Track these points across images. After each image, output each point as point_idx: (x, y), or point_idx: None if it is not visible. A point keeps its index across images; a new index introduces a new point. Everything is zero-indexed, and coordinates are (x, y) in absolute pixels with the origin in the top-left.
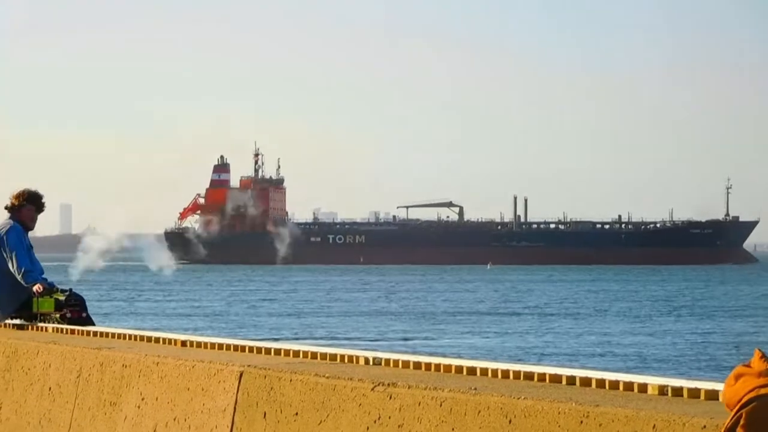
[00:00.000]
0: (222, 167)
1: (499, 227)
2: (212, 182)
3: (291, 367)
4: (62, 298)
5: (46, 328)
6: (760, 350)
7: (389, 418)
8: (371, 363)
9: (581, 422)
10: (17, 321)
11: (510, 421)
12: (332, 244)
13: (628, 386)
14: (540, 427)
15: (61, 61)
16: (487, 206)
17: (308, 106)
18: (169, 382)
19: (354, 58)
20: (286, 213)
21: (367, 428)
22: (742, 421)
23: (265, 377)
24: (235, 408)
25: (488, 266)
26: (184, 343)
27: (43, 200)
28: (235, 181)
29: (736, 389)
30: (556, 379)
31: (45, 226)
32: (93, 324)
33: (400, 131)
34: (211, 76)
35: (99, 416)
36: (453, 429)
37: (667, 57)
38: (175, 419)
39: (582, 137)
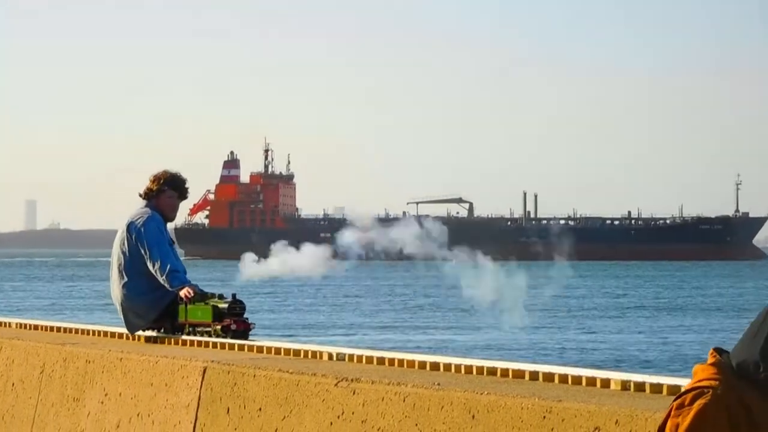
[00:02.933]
0: (232, 163)
1: (509, 223)
2: (222, 178)
3: (255, 363)
4: (222, 305)
5: (9, 323)
6: (714, 348)
7: (353, 413)
8: (335, 359)
9: (544, 417)
10: (155, 333)
11: (473, 417)
12: None
13: (591, 381)
14: (503, 422)
15: (66, 52)
16: (497, 202)
17: (319, 101)
18: (132, 378)
19: (364, 52)
20: (296, 208)
21: (331, 423)
22: (672, 411)
23: (229, 373)
24: (198, 403)
25: (452, 262)
26: (147, 339)
27: (186, 185)
28: (245, 177)
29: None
30: (519, 374)
31: (8, 222)
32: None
33: (410, 127)
34: (220, 71)
35: (62, 412)
36: (416, 424)
37: (678, 53)
38: (138, 415)
39: (592, 133)
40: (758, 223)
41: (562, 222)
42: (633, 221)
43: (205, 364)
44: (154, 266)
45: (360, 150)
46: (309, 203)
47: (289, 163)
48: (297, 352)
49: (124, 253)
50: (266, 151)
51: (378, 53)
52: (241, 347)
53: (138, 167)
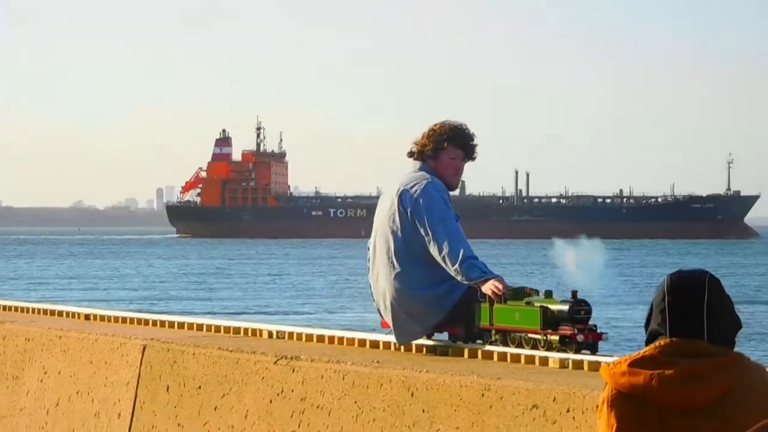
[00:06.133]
0: (224, 141)
1: (501, 201)
2: (214, 156)
3: (194, 341)
4: (558, 306)
5: None
6: None
7: (292, 391)
8: (275, 336)
9: (482, 395)
10: (439, 341)
11: (412, 394)
12: (333, 218)
13: (530, 359)
14: (442, 399)
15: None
16: (488, 180)
17: (311, 80)
18: (72, 356)
19: (355, 32)
20: (288, 187)
21: (270, 401)
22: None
23: (168, 351)
24: (138, 381)
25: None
26: (87, 317)
27: (474, 142)
28: (237, 155)
29: None
30: (458, 352)
31: None
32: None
33: (400, 104)
34: (212, 49)
35: (1, 390)
36: (355, 402)
37: (668, 34)
38: (78, 393)
39: (584, 112)
40: (749, 201)
41: (554, 200)
42: (625, 199)
43: (145, 341)
44: (440, 251)
45: (352, 128)
46: (301, 181)
47: (281, 141)
48: (237, 330)
49: (394, 232)
50: (258, 129)
51: (369, 32)
52: (180, 325)
53: (132, 146)
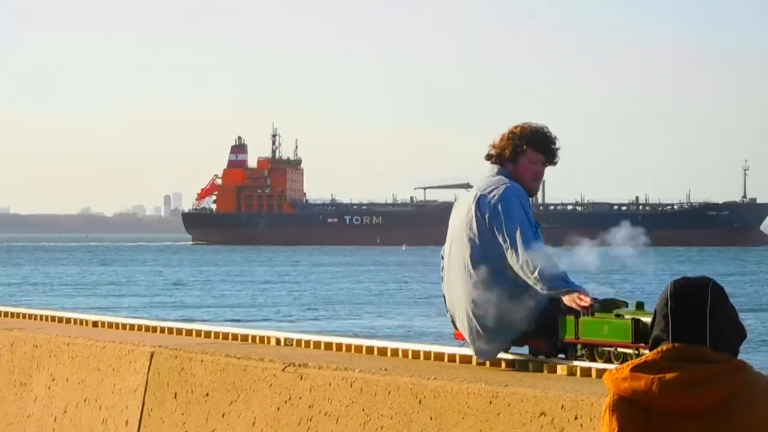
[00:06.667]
0: (239, 148)
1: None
2: (230, 163)
3: (202, 348)
4: (648, 318)
5: None
6: None
7: (300, 398)
8: (282, 343)
9: (490, 402)
10: (519, 355)
11: (420, 402)
12: (349, 225)
13: (538, 367)
14: (449, 407)
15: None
16: None
17: (326, 87)
18: (79, 363)
19: (371, 40)
20: (304, 194)
21: (278, 408)
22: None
23: (176, 357)
24: (146, 388)
25: (403, 247)
26: (95, 324)
27: (555, 145)
28: (252, 162)
29: None
30: (466, 360)
31: None
32: None
33: (417, 112)
34: (228, 55)
35: (9, 397)
36: (363, 409)
37: (685, 38)
38: (85, 400)
39: (599, 119)
40: (765, 209)
41: (570, 207)
42: (640, 207)
43: (153, 348)
44: (518, 259)
45: (368, 136)
46: (316, 188)
47: (296, 148)
48: (245, 337)
49: (471, 239)
50: (274, 136)
51: (385, 38)
52: (189, 332)
53: (149, 152)
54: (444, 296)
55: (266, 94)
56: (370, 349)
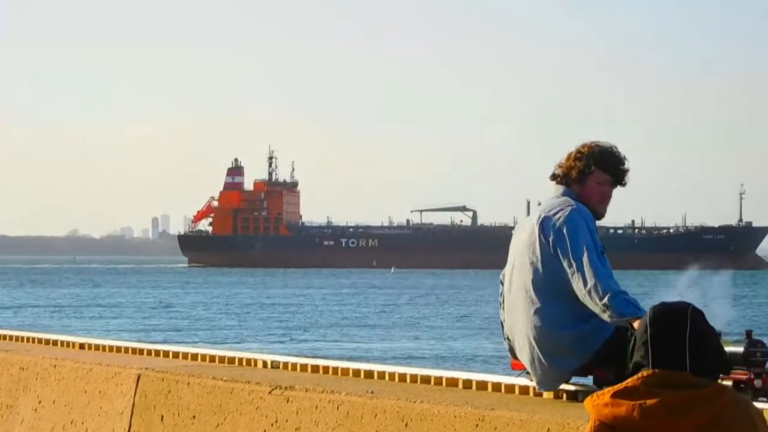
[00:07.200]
0: (236, 170)
1: (512, 231)
2: (226, 185)
3: (189, 370)
4: (733, 348)
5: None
6: None
7: (286, 421)
8: (269, 366)
9: (477, 425)
10: (582, 386)
11: (406, 425)
12: (345, 247)
13: (524, 390)
14: (436, 430)
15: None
16: (500, 210)
17: (323, 110)
18: (66, 385)
19: (367, 60)
20: (300, 216)
21: (265, 431)
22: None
23: (163, 380)
24: (132, 411)
25: (391, 270)
26: (82, 346)
27: (624, 166)
28: (248, 184)
29: None
30: (452, 382)
31: None
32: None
33: (413, 135)
34: (226, 78)
35: None
36: None
37: (682, 60)
38: (72, 422)
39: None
40: (762, 233)
41: None
42: (636, 230)
43: (140, 371)
44: (585, 284)
45: (364, 158)
46: (313, 211)
47: (293, 170)
48: (231, 360)
49: (534, 263)
50: (270, 158)
51: (381, 59)
52: (175, 354)
53: (142, 173)
54: (502, 323)
55: (264, 116)
56: (356, 372)
